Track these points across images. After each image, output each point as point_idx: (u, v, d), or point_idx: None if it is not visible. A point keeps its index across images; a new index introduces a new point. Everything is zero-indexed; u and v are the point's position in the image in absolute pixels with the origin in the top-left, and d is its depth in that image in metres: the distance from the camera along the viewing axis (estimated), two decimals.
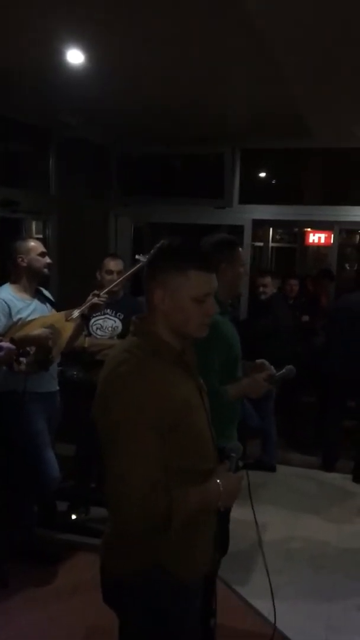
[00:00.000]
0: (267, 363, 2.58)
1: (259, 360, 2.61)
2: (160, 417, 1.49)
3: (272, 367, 2.58)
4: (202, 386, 1.75)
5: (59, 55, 3.50)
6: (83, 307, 3.26)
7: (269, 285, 5.17)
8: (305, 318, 6.02)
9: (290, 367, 2.67)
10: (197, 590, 1.73)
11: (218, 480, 1.62)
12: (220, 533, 1.83)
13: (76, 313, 3.24)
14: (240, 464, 1.75)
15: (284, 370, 2.64)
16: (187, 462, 1.58)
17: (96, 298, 3.28)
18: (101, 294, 3.32)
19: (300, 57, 3.51)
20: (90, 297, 3.31)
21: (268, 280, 5.19)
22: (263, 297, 5.20)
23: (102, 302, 3.31)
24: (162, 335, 1.61)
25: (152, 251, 1.66)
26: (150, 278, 1.61)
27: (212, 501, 1.61)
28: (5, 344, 2.73)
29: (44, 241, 5.82)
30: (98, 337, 3.93)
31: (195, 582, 1.70)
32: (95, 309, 3.33)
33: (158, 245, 1.66)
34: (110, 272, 3.89)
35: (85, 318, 3.32)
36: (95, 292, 3.34)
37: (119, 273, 3.85)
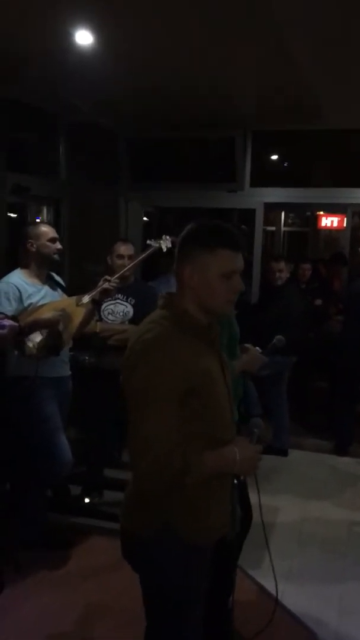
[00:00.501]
0: (251, 346, 2.68)
1: (243, 345, 2.71)
2: (181, 383, 1.59)
3: (257, 348, 2.69)
4: (225, 362, 1.84)
5: (67, 37, 3.45)
6: (94, 292, 3.25)
7: (284, 270, 5.12)
8: (318, 302, 5.99)
9: (279, 337, 2.79)
10: (204, 560, 1.79)
11: (235, 448, 1.68)
12: (241, 504, 1.86)
13: (87, 298, 3.23)
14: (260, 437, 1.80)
15: (274, 341, 2.80)
16: (205, 428, 1.67)
17: (107, 283, 3.27)
18: (112, 279, 3.31)
19: (311, 37, 3.46)
20: (101, 282, 3.30)
21: (283, 265, 5.14)
22: (279, 282, 5.12)
23: (113, 287, 3.30)
24: (188, 309, 1.70)
25: (181, 233, 1.75)
26: (181, 256, 1.72)
27: (228, 466, 1.68)
28: (8, 322, 2.72)
29: (55, 227, 5.83)
30: (109, 322, 3.93)
31: (206, 546, 1.77)
32: (106, 294, 3.32)
33: (188, 227, 1.74)
34: (121, 256, 3.87)
35: (96, 303, 3.32)
36: (107, 277, 3.33)
37: (130, 257, 3.84)
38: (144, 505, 1.72)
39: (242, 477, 1.76)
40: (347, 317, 5.30)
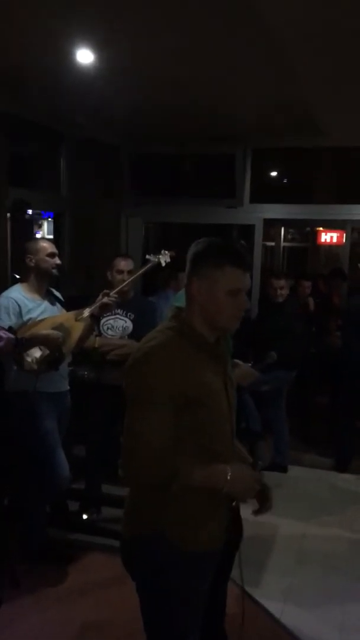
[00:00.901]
0: (240, 362, 2.79)
1: (234, 360, 2.83)
2: (177, 392, 1.64)
3: (245, 364, 2.78)
4: (230, 378, 1.86)
5: (69, 55, 3.49)
6: (93, 307, 3.26)
7: (285, 287, 5.11)
8: (311, 303, 5.96)
9: (272, 353, 2.79)
10: (202, 566, 1.80)
11: (228, 467, 1.69)
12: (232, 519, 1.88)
13: (86, 312, 3.24)
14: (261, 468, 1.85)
15: (267, 357, 2.78)
16: (200, 440, 1.71)
17: (106, 298, 3.28)
18: (111, 293, 3.32)
19: (312, 55, 3.49)
20: (100, 297, 3.31)
21: (284, 282, 5.12)
22: (280, 299, 5.08)
23: (112, 302, 3.30)
24: (194, 323, 1.76)
25: (192, 249, 1.80)
26: (191, 271, 1.77)
27: (217, 483, 1.69)
28: (4, 334, 2.73)
29: (55, 241, 5.86)
30: (109, 337, 3.93)
31: (200, 556, 1.77)
32: (105, 309, 3.33)
33: (198, 242, 1.80)
34: (121, 271, 3.88)
35: (95, 318, 3.33)
36: (106, 291, 3.34)
37: (130, 273, 3.84)
38: (139, 511, 1.78)
39: (234, 503, 1.79)
40: (346, 332, 5.30)
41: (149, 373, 1.65)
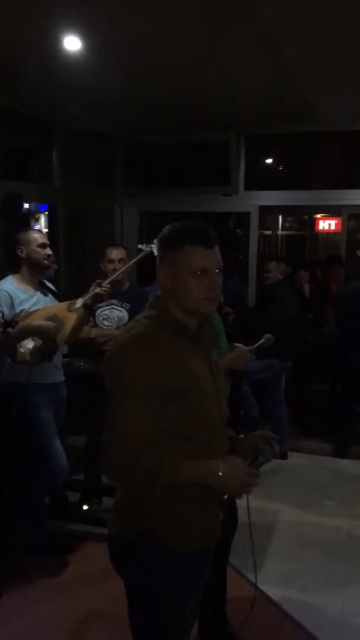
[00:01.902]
0: (241, 345, 2.73)
1: (232, 344, 2.77)
2: (159, 382, 1.57)
3: (242, 346, 2.74)
4: (214, 364, 1.80)
5: (56, 43, 3.46)
6: (86, 297, 3.24)
7: (272, 271, 5.09)
8: (307, 288, 5.93)
9: (268, 335, 2.79)
10: (196, 560, 1.74)
11: (220, 463, 1.62)
12: (227, 513, 1.82)
13: (79, 303, 3.22)
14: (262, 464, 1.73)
15: (262, 339, 2.78)
16: (186, 429, 1.63)
17: (99, 288, 3.26)
18: (104, 283, 3.30)
19: (304, 42, 3.46)
20: (93, 287, 3.28)
21: (272, 265, 5.13)
22: (266, 282, 5.16)
23: (104, 292, 3.28)
24: (172, 310, 1.69)
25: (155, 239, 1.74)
26: (157, 260, 1.72)
27: (209, 479, 1.62)
28: None
29: (50, 233, 5.84)
30: (104, 327, 3.91)
31: (193, 552, 1.71)
32: (98, 299, 3.31)
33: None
34: (112, 261, 3.85)
35: (88, 308, 3.30)
36: (98, 281, 3.32)
37: (121, 261, 3.82)
38: (127, 509, 1.72)
39: (225, 497, 1.69)
40: (342, 319, 5.28)
41: (127, 365, 1.58)
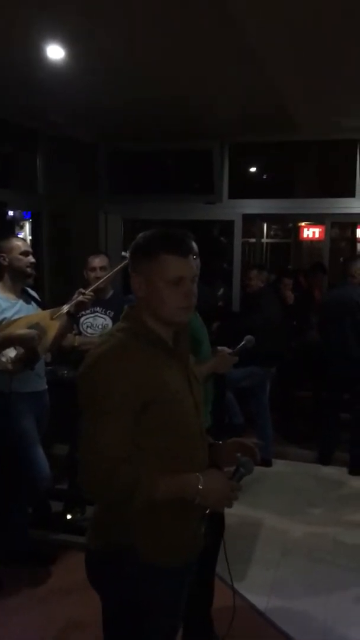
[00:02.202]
0: (224, 348, 2.74)
1: (215, 347, 2.78)
2: (134, 395, 1.53)
3: (224, 348, 2.76)
4: (192, 374, 1.76)
5: (39, 51, 3.47)
6: (69, 305, 3.23)
7: (253, 279, 5.14)
8: (291, 296, 5.95)
9: (248, 337, 2.82)
10: (176, 576, 1.70)
11: (201, 477, 1.59)
12: (213, 522, 1.80)
13: (63, 310, 3.21)
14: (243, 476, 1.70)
15: (244, 341, 2.81)
16: (163, 444, 1.60)
17: (82, 296, 3.25)
18: (87, 291, 3.29)
19: (285, 51, 3.50)
20: (75, 295, 3.28)
21: (253, 273, 5.18)
22: (248, 290, 5.23)
23: (87, 300, 3.27)
24: (146, 321, 1.65)
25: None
26: (130, 269, 1.68)
27: (189, 494, 1.58)
28: None
29: (34, 241, 5.82)
30: (88, 335, 3.90)
31: (173, 568, 1.67)
32: (81, 307, 3.30)
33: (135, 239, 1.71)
34: (94, 269, 3.86)
35: (71, 316, 3.29)
36: (81, 290, 3.31)
37: (103, 269, 3.82)
38: (104, 526, 1.67)
39: (207, 511, 1.64)
40: (323, 326, 5.31)
41: (101, 380, 1.54)
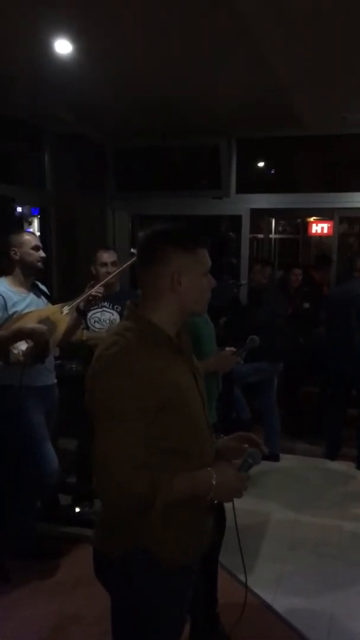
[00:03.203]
0: (232, 349, 2.76)
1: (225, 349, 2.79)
2: (147, 398, 1.51)
3: (229, 348, 2.77)
4: (196, 369, 1.76)
5: (46, 46, 3.47)
6: (79, 300, 3.24)
7: (256, 274, 5.12)
8: (306, 305, 5.97)
9: (253, 337, 2.82)
10: (186, 574, 1.71)
11: (212, 471, 1.60)
12: (215, 516, 1.81)
13: (73, 305, 3.23)
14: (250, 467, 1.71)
15: (247, 342, 2.81)
16: (176, 443, 1.59)
17: (92, 290, 3.27)
18: (97, 286, 3.31)
19: (291, 46, 3.49)
20: (86, 290, 3.29)
21: (256, 269, 5.16)
22: (252, 285, 5.25)
23: (98, 295, 3.29)
24: (152, 320, 1.63)
25: (143, 241, 1.69)
26: (154, 263, 1.63)
27: (203, 490, 1.59)
28: None
29: (42, 236, 5.84)
30: (96, 330, 3.92)
31: (184, 567, 1.68)
32: (91, 302, 3.32)
33: (149, 233, 1.68)
34: (104, 264, 3.87)
35: (81, 312, 3.31)
36: (92, 283, 3.33)
37: (113, 264, 3.84)
38: (115, 526, 1.64)
39: (215, 502, 1.65)
40: (328, 323, 5.30)
41: (115, 384, 1.50)
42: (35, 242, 3.32)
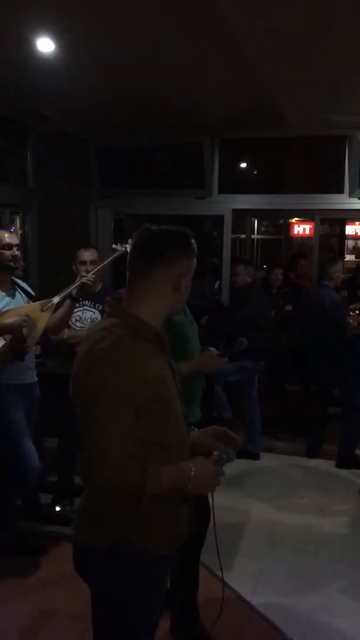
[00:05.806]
0: (210, 348, 2.75)
1: (205, 347, 2.78)
2: (136, 392, 1.55)
3: (212, 349, 2.76)
4: (173, 365, 1.80)
5: (29, 45, 3.47)
6: (72, 288, 3.30)
7: (240, 274, 5.10)
8: (289, 307, 6.03)
9: (241, 339, 2.83)
10: (167, 563, 1.76)
11: (191, 464, 1.66)
12: (198, 509, 1.84)
13: (54, 301, 3.23)
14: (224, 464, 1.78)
15: (236, 344, 2.84)
16: (161, 437, 1.64)
17: (84, 278, 3.30)
18: (89, 275, 3.35)
19: (273, 47, 3.52)
20: (78, 279, 3.33)
21: (239, 268, 5.15)
22: (234, 286, 5.23)
23: (90, 282, 3.32)
24: (141, 316, 1.66)
25: (147, 240, 1.72)
26: (162, 265, 1.67)
27: (182, 481, 1.64)
28: None
29: (24, 234, 5.82)
30: (77, 328, 3.92)
31: (165, 556, 1.73)
32: (84, 289, 3.34)
33: (151, 232, 1.72)
34: (84, 262, 3.88)
35: (74, 299, 3.36)
36: (83, 273, 3.41)
37: (93, 263, 3.84)
38: (99, 517, 1.67)
39: (193, 494, 1.69)
40: (304, 324, 5.35)
41: (106, 378, 1.52)
42: (8, 240, 3.23)
